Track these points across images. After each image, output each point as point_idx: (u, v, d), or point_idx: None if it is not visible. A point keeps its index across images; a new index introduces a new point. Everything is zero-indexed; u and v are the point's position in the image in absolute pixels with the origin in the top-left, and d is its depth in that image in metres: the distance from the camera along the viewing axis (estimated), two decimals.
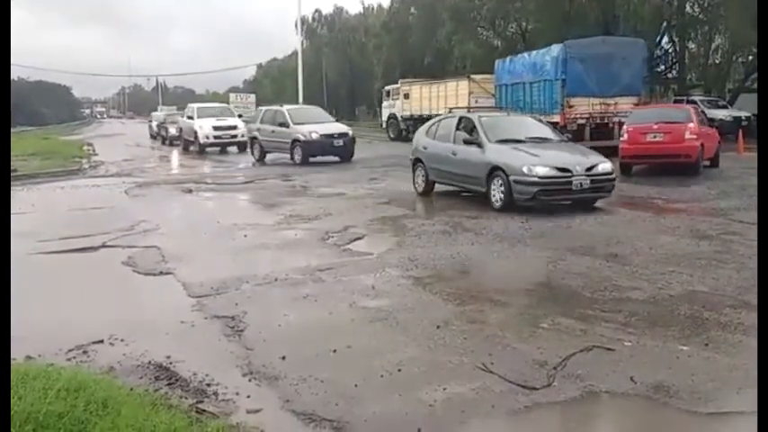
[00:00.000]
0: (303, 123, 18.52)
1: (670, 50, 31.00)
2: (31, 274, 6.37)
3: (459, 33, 33.76)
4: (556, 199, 9.50)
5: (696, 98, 26.18)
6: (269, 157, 20.09)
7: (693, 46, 29.61)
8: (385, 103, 33.00)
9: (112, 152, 25.29)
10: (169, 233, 8.51)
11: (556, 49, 19.59)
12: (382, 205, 10.85)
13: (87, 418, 2.95)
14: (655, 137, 13.64)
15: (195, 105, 27.24)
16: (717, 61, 28.86)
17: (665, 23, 28.45)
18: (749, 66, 26.87)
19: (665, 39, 30.23)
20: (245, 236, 8.20)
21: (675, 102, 25.75)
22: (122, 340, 4.49)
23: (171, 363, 4.10)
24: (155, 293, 5.98)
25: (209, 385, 3.77)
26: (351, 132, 19.16)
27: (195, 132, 24.48)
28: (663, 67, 31.86)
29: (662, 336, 4.45)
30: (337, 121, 22.26)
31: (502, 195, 9.55)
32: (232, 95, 52.58)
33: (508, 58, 24.06)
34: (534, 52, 21.95)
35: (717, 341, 4.34)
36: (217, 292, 5.66)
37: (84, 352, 4.31)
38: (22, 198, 12.03)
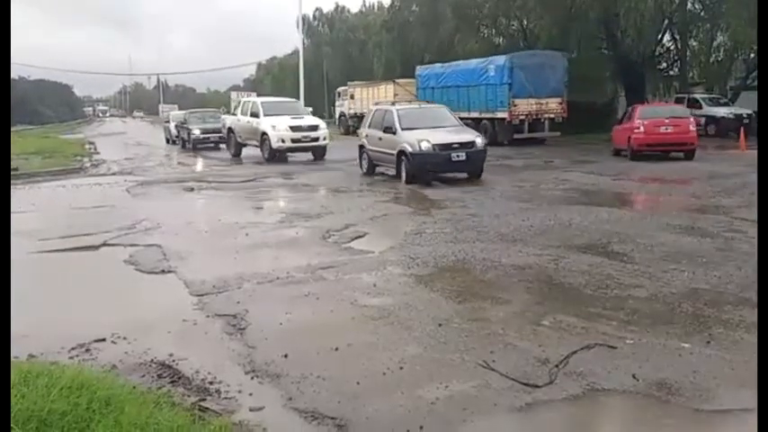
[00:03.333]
0: (413, 128, 13.42)
1: (671, 48, 30.96)
2: (32, 272, 6.39)
3: (460, 31, 33.71)
4: None
5: (698, 96, 26.17)
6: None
7: (695, 43, 29.54)
8: (337, 103, 37.64)
9: (115, 151, 25.28)
10: (170, 231, 8.51)
11: (501, 59, 24.02)
12: (383, 203, 10.85)
13: (90, 417, 2.95)
14: (667, 129, 17.07)
15: (258, 99, 21.41)
16: (719, 59, 28.78)
17: (666, 21, 28.39)
18: (751, 63, 26.81)
19: (667, 36, 30.20)
20: (247, 234, 8.20)
21: (677, 100, 25.76)
22: (125, 338, 4.50)
23: (173, 361, 4.11)
24: (156, 292, 5.99)
25: (211, 383, 3.78)
26: (480, 141, 13.50)
27: (263, 134, 18.67)
28: (664, 64, 31.84)
29: (664, 333, 4.45)
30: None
31: None
32: (233, 94, 52.59)
33: (438, 65, 28.44)
34: (472, 61, 26.13)
35: (719, 338, 4.34)
36: (218, 291, 5.67)
37: (87, 350, 4.32)
38: (23, 197, 12.04)
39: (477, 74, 24.99)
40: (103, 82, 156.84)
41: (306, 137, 18.56)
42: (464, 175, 13.59)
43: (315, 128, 18.94)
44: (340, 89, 38.03)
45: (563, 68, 24.06)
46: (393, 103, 15.93)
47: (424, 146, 12.90)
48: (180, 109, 44.09)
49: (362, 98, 33.02)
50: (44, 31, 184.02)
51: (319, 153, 19.01)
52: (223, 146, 24.51)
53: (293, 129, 18.41)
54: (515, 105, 22.93)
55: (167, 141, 30.95)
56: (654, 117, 17.48)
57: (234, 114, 21.47)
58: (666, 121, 17.21)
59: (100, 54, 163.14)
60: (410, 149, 12.99)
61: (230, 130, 21.32)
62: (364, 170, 15.43)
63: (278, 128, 18.35)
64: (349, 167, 16.62)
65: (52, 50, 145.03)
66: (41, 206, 11.15)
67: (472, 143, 13.32)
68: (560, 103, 23.63)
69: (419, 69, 29.47)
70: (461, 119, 24.20)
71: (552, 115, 23.65)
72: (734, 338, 4.34)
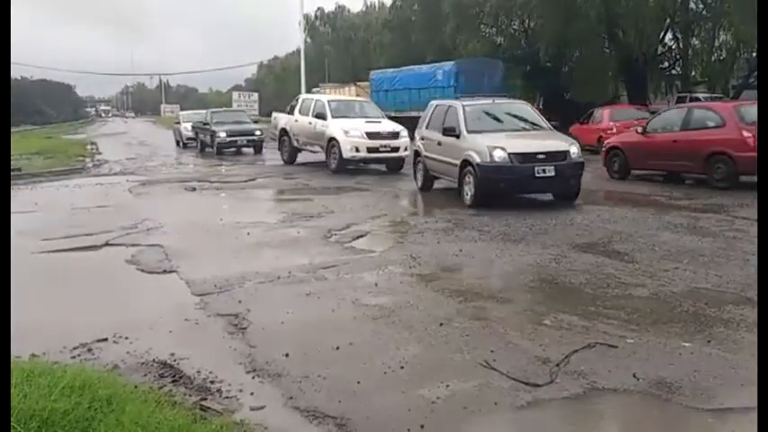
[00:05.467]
0: (483, 131, 10.31)
1: (673, 47, 30.92)
2: (34, 272, 6.40)
3: (461, 30, 33.75)
4: None
5: (700, 95, 26.13)
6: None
7: (697, 42, 29.49)
8: None
9: (118, 152, 25.27)
10: (172, 231, 8.53)
11: (449, 65, 27.71)
12: (385, 203, 10.85)
13: (92, 416, 2.96)
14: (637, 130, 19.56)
15: (324, 98, 18.37)
16: (721, 57, 28.74)
17: (668, 20, 28.36)
18: (753, 62, 26.77)
19: (669, 35, 30.16)
20: (248, 234, 8.22)
21: (679, 99, 25.76)
22: (126, 338, 4.51)
23: (175, 360, 4.11)
24: (158, 291, 6.00)
25: (212, 382, 3.79)
26: (576, 150, 10.00)
27: (331, 140, 15.43)
28: (666, 63, 31.81)
29: (664, 332, 4.45)
30: None
31: None
32: (235, 94, 52.50)
33: (390, 70, 32.29)
34: (423, 67, 29.63)
35: (719, 338, 4.34)
36: (220, 290, 5.68)
37: (89, 350, 4.33)
38: (25, 197, 12.07)
39: (426, 77, 28.35)
40: (105, 82, 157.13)
41: (384, 146, 15.09)
42: (549, 196, 10.45)
43: (395, 135, 15.33)
44: (314, 90, 40.79)
45: (501, 74, 27.63)
46: (458, 96, 11.83)
47: (498, 155, 9.57)
48: (182, 109, 43.96)
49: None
50: (46, 31, 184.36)
51: (396, 165, 15.51)
52: (246, 150, 23.12)
53: (370, 135, 15.06)
54: None
55: (177, 144, 28.09)
56: (623, 119, 19.21)
57: (289, 113, 18.23)
58: (635, 122, 19.00)
59: (102, 54, 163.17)
60: (478, 159, 9.70)
61: (284, 131, 18.13)
62: (419, 184, 12.22)
63: (351, 134, 15.11)
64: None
65: (54, 50, 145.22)
66: (44, 206, 11.16)
67: (564, 154, 9.81)
68: None
69: (373, 74, 33.32)
70: (412, 117, 21.90)
71: None
72: (734, 338, 4.34)
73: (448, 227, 8.44)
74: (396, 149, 15.18)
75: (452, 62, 27.99)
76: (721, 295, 5.29)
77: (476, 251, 7.01)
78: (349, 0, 79.13)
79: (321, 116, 16.15)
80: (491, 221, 8.68)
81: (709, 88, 28.59)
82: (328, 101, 17.10)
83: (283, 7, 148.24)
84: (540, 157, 9.64)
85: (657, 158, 12.60)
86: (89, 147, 27.47)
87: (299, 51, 39.20)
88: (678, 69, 30.83)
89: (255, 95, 51.71)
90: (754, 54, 25.64)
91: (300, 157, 18.22)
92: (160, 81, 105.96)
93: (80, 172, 17.58)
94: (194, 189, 13.30)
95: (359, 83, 35.98)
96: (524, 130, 10.72)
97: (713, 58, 28.82)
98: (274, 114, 20.06)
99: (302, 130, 17.21)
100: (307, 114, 16.91)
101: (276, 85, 70.50)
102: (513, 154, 9.59)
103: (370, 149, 15.03)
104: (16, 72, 64.07)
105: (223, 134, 22.45)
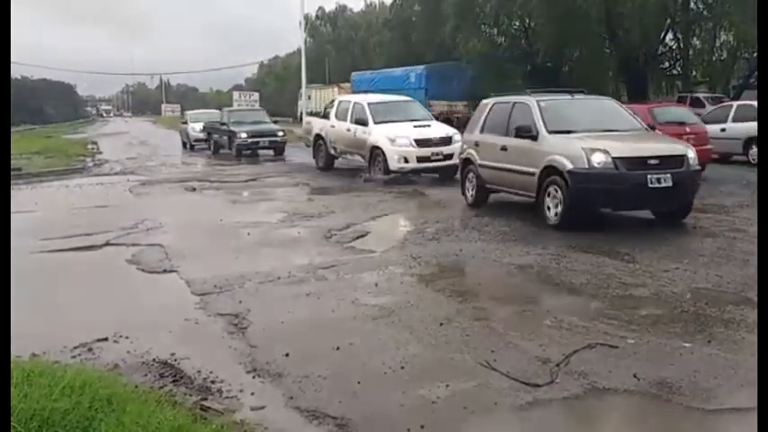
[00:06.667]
0: (570, 131, 8.41)
1: (674, 47, 30.92)
2: (34, 272, 6.39)
3: (462, 30, 33.76)
4: None
5: (700, 95, 26.13)
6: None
7: (698, 42, 29.49)
8: (299, 102, 42.83)
9: (118, 152, 25.25)
10: (172, 231, 8.53)
11: (419, 68, 30.26)
12: (385, 203, 10.85)
13: (92, 415, 2.96)
14: None
15: (363, 100, 15.30)
16: (721, 58, 28.74)
17: (668, 20, 28.36)
18: (753, 62, 26.76)
19: (669, 35, 30.16)
20: (248, 234, 8.22)
21: (679, 99, 25.74)
22: (127, 338, 4.51)
23: (175, 360, 4.12)
24: (159, 291, 6.01)
25: (213, 382, 3.79)
26: (693, 155, 8.08)
27: (374, 149, 13.64)
28: (667, 63, 31.81)
29: (665, 332, 4.45)
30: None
31: None
32: (235, 94, 52.35)
33: (368, 72, 35.66)
34: (397, 70, 32.29)
35: (719, 338, 4.34)
36: (220, 290, 5.68)
37: (89, 350, 4.33)
38: (25, 196, 12.07)
39: (401, 80, 30.31)
40: (106, 81, 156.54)
41: (436, 154, 13.06)
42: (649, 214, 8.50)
43: (448, 141, 13.22)
44: (302, 90, 42.02)
45: (469, 77, 28.80)
46: (529, 92, 9.71)
47: (599, 159, 7.66)
48: (183, 109, 44.10)
49: (317, 98, 39.08)
50: (46, 30, 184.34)
51: (449, 174, 12.81)
52: (263, 152, 21.47)
53: (419, 143, 13.11)
54: (431, 106, 26.26)
55: (184, 146, 26.36)
56: None
57: (323, 117, 16.90)
58: None
59: (102, 54, 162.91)
60: (569, 165, 7.77)
61: (319, 137, 16.50)
62: (470, 200, 10.13)
63: (398, 142, 13.18)
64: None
65: (54, 50, 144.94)
66: (44, 206, 11.17)
67: (681, 159, 7.93)
68: (466, 106, 27.61)
69: (354, 75, 35.97)
70: None
71: (459, 115, 26.97)
72: (735, 338, 4.34)
73: (448, 227, 8.44)
74: (449, 156, 12.95)
75: (423, 66, 30.38)
76: (721, 295, 5.29)
77: (476, 251, 7.01)
78: (349, 0, 79.16)
79: (361, 122, 14.34)
80: (491, 221, 8.67)
81: (709, 88, 28.59)
82: (368, 103, 14.82)
83: (284, 7, 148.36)
84: (653, 162, 7.73)
85: None
86: (89, 146, 27.46)
87: (299, 51, 39.15)
88: (679, 69, 30.81)
89: (256, 95, 51.57)
90: (755, 54, 25.63)
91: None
92: (161, 81, 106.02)
93: (80, 172, 17.58)
94: (194, 189, 13.28)
95: (341, 84, 37.88)
96: (617, 131, 8.67)
97: (714, 59, 28.81)
98: (307, 119, 18.76)
99: (340, 136, 15.35)
100: (344, 119, 15.12)
101: (277, 84, 70.50)
102: (619, 158, 7.64)
103: (420, 159, 13.07)
104: (16, 72, 64.10)
105: (244, 135, 20.73)
